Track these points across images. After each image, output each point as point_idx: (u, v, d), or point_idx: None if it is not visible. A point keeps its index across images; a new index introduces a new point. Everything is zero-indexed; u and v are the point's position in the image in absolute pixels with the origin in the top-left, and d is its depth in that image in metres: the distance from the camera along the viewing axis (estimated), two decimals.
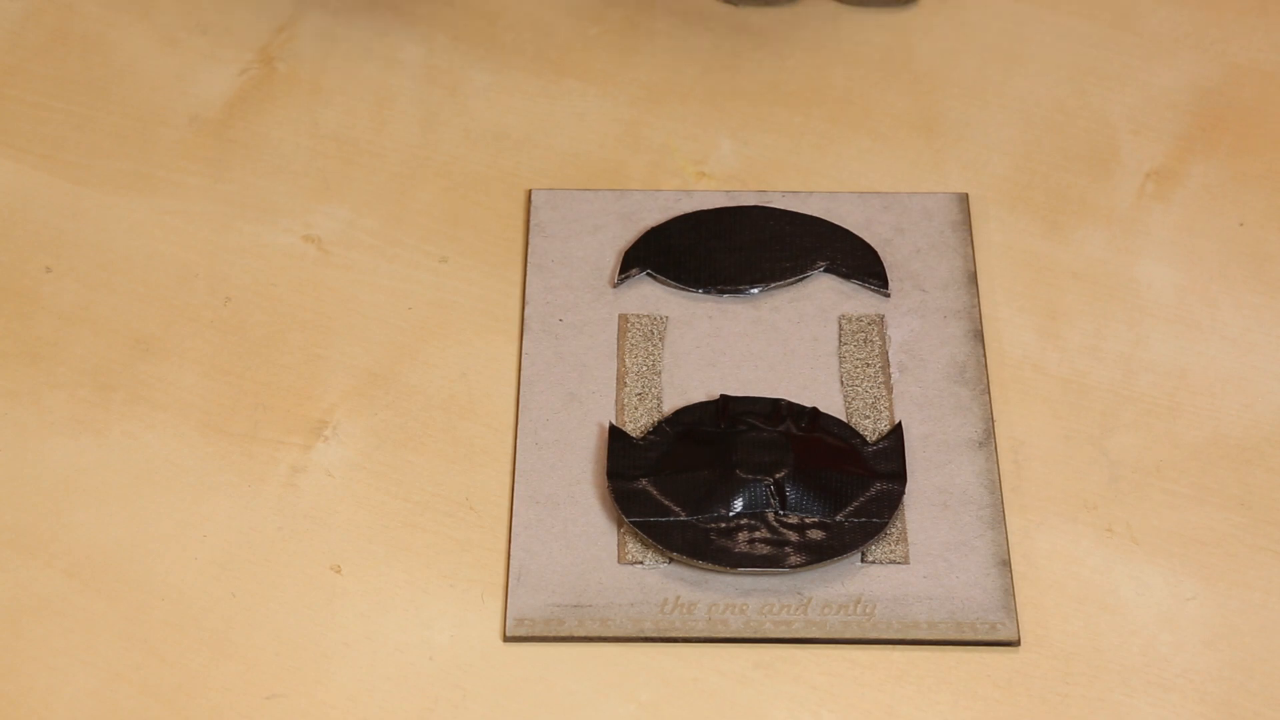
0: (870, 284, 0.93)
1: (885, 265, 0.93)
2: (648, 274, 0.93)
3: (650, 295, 0.93)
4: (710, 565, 0.82)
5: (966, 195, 0.97)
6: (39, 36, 1.06)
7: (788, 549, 0.82)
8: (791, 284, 0.93)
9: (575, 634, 0.81)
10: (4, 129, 1.01)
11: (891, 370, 0.90)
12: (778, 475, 0.84)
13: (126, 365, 0.91)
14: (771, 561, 0.82)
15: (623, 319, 0.92)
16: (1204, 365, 0.90)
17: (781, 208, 0.96)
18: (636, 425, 0.88)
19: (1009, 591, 0.82)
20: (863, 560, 0.83)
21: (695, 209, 0.96)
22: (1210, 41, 1.05)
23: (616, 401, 0.89)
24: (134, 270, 0.95)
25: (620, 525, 0.84)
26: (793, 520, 0.83)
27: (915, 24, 1.06)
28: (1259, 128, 1.00)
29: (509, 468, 0.87)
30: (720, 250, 0.94)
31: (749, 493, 0.83)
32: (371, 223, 0.97)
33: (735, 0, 1.06)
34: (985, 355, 0.90)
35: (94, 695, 0.80)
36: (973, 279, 0.93)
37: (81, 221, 0.97)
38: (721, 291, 0.93)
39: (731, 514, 0.83)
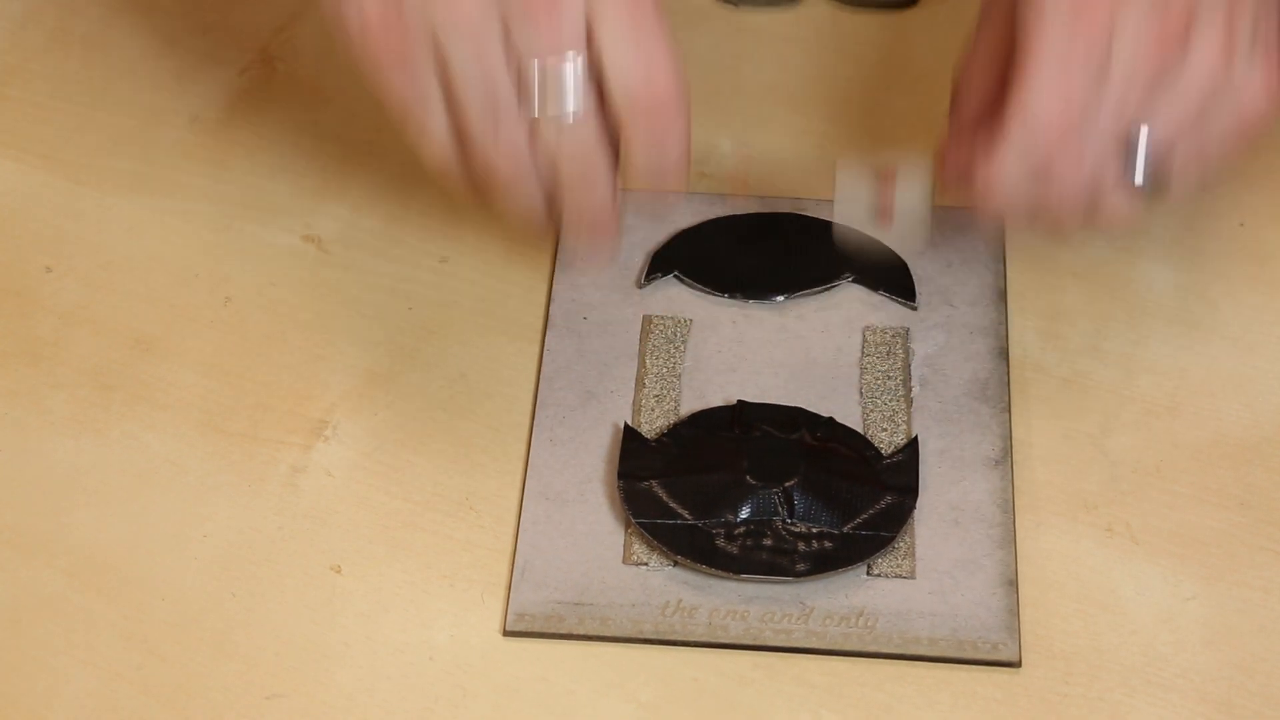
0: (897, 296, 0.92)
1: (914, 278, 0.93)
2: (675, 276, 0.93)
3: (676, 298, 0.92)
4: (714, 570, 0.82)
5: None
6: (39, 36, 1.06)
7: (793, 558, 0.82)
8: (818, 293, 0.93)
9: (575, 632, 0.81)
10: (4, 129, 1.01)
11: (912, 384, 0.89)
12: (787, 483, 0.83)
13: (126, 365, 0.91)
14: (776, 569, 0.82)
15: (646, 320, 0.92)
16: (1204, 365, 0.90)
17: (814, 216, 0.95)
18: (652, 427, 0.88)
19: (1013, 612, 0.81)
20: (868, 573, 0.83)
21: (727, 214, 0.96)
22: None
23: (634, 402, 0.89)
24: (134, 270, 0.95)
25: (628, 526, 0.84)
26: (800, 529, 0.83)
27: (915, 25, 1.05)
28: None
29: (512, 467, 0.87)
30: (749, 256, 0.94)
31: (757, 499, 0.83)
32: (371, 223, 0.97)
33: (735, 0, 1.06)
34: (1009, 374, 0.89)
35: (94, 695, 0.80)
36: (1002, 296, 0.92)
37: (81, 221, 0.97)
38: (748, 297, 0.93)
39: (739, 520, 0.83)
